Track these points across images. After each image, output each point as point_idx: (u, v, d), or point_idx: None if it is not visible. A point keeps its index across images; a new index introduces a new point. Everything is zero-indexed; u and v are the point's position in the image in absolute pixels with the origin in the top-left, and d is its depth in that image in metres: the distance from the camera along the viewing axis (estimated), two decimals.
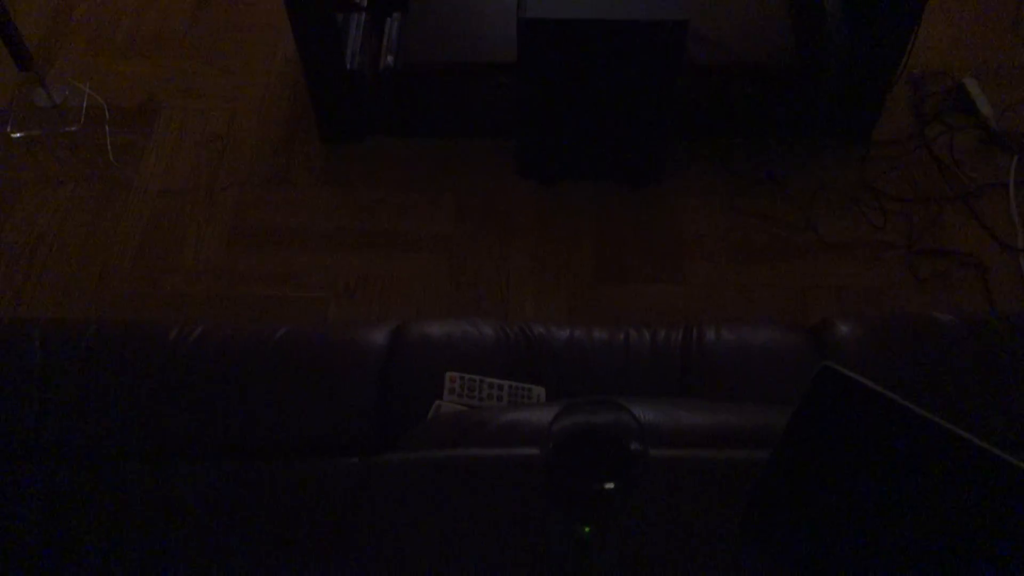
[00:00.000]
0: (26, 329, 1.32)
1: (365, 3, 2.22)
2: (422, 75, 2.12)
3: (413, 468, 0.94)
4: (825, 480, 0.80)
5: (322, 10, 1.98)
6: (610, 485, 0.71)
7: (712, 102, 2.17)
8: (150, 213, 2.14)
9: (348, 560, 0.92)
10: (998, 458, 0.71)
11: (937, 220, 2.13)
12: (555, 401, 1.20)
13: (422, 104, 2.20)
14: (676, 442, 0.99)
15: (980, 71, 2.37)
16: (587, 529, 0.88)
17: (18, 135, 2.25)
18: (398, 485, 0.92)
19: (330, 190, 2.18)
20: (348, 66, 2.12)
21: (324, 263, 2.05)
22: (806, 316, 1.96)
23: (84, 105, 2.29)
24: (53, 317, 1.56)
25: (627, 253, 2.08)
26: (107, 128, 2.27)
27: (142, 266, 2.05)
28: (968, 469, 0.73)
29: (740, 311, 1.99)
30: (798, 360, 1.32)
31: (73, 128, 2.26)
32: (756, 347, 1.34)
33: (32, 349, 1.29)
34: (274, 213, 2.14)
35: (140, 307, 1.98)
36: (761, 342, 1.35)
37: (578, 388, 1.28)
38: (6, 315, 1.97)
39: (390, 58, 2.13)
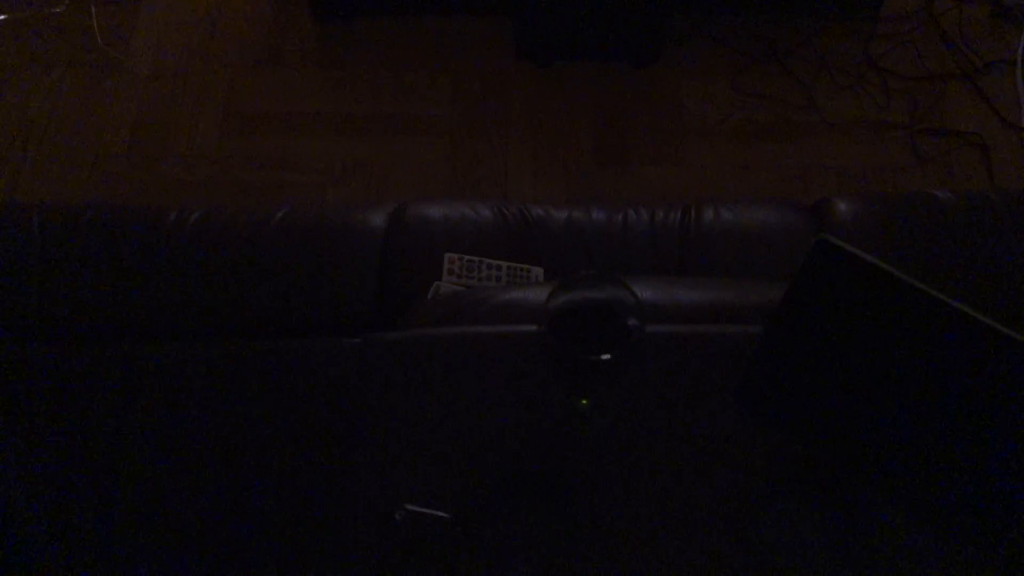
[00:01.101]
0: (24, 213, 1.32)
1: None
2: None
3: (412, 345, 0.96)
4: (819, 350, 0.82)
5: None
6: (607, 357, 0.73)
7: None
8: (142, 97, 2.11)
9: (350, 436, 0.94)
10: (991, 328, 0.72)
11: (942, 98, 2.09)
12: (553, 280, 1.21)
13: None
14: (673, 318, 1.00)
15: None
16: (584, 401, 0.90)
17: (2, 17, 2.19)
18: (397, 362, 0.94)
19: (324, 72, 2.13)
20: None
21: (320, 147, 2.03)
22: (807, 197, 1.94)
23: None
24: (50, 201, 1.55)
25: (627, 135, 2.05)
26: (92, 8, 2.20)
27: (137, 152, 2.03)
28: (961, 339, 0.74)
29: (740, 192, 1.98)
30: (797, 238, 1.32)
31: (58, 9, 2.20)
32: (755, 226, 1.34)
33: (31, 232, 1.29)
34: (267, 96, 2.10)
35: (136, 193, 1.97)
36: (760, 221, 1.35)
37: (577, 268, 1.29)
38: (3, 200, 1.96)
39: None
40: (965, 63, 2.13)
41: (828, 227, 1.30)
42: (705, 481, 0.87)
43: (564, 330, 0.75)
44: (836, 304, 0.79)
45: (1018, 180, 1.98)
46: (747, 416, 0.90)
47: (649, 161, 2.02)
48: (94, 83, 2.12)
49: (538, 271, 1.26)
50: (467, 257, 1.24)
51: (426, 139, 2.05)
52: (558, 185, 1.99)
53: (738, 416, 0.90)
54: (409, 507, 0.85)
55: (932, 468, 0.82)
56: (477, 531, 0.85)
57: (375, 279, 1.27)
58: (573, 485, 0.88)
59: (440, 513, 0.85)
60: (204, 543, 1.07)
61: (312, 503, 1.04)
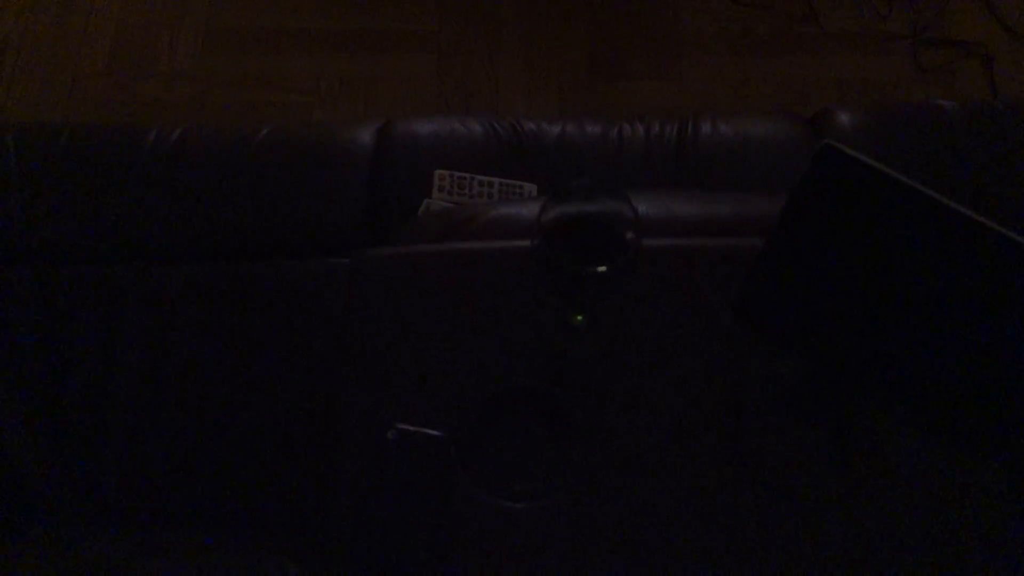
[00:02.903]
0: None
1: None
2: None
3: (402, 262, 0.93)
4: (821, 260, 0.79)
5: None
6: (602, 268, 0.70)
7: None
8: (120, 14, 2.03)
9: (340, 355, 0.92)
10: (998, 233, 0.70)
11: (944, 8, 2.03)
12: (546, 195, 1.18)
13: None
14: (669, 233, 0.98)
15: None
16: (579, 317, 0.88)
17: None
18: (387, 279, 0.91)
19: None
20: None
21: (305, 65, 1.97)
22: (807, 110, 1.89)
23: None
24: (26, 122, 1.50)
25: (621, 49, 1.99)
26: None
27: (115, 71, 1.97)
28: (967, 245, 0.72)
29: (738, 107, 1.93)
30: (797, 151, 1.28)
31: None
32: (753, 139, 1.30)
33: (7, 154, 1.25)
34: (250, 12, 2.03)
35: (114, 114, 1.92)
36: (758, 134, 1.31)
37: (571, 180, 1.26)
38: None
39: None
40: None
41: (828, 138, 1.27)
42: (702, 396, 0.86)
43: (558, 243, 0.73)
44: (840, 212, 0.76)
45: (1022, 91, 1.93)
46: (744, 330, 0.88)
47: (644, 75, 1.97)
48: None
49: (531, 187, 1.23)
50: (458, 173, 1.20)
51: (414, 56, 1.98)
52: (551, 101, 1.94)
53: (735, 330, 0.88)
54: (401, 426, 0.84)
55: (935, 378, 0.81)
56: (471, 450, 0.84)
57: (363, 197, 1.23)
58: (567, 402, 0.86)
59: (433, 432, 0.84)
60: (194, 463, 1.06)
61: (302, 423, 1.03)
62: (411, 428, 0.84)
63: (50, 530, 1.04)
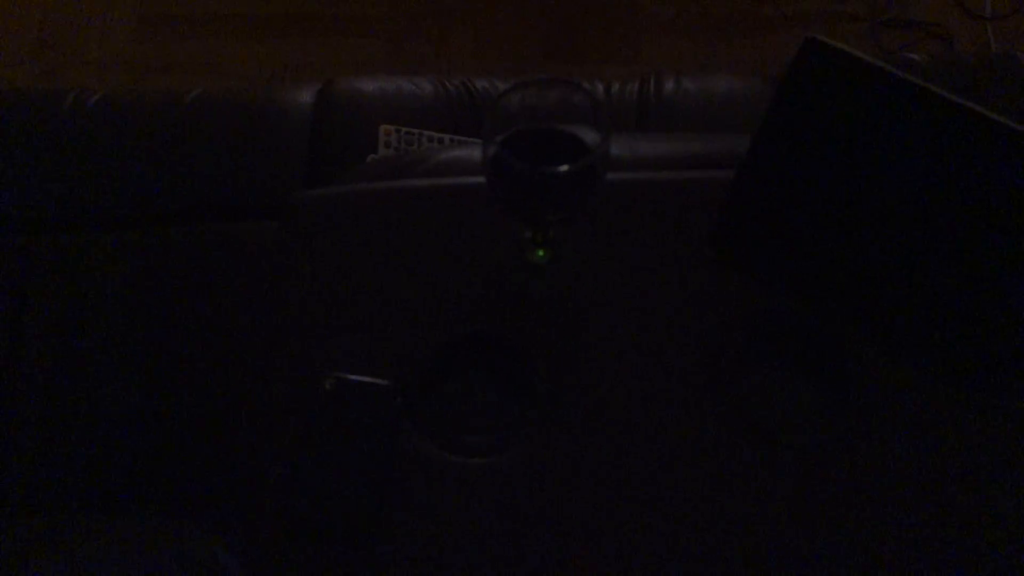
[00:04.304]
0: None
1: None
2: None
3: (342, 201, 0.84)
4: (806, 175, 0.72)
5: None
6: (564, 168, 0.61)
7: None
8: (46, 3, 1.92)
9: (275, 309, 0.82)
10: (994, 122, 0.63)
11: None
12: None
13: None
14: (635, 172, 0.89)
15: None
16: (540, 253, 0.79)
17: None
18: (326, 219, 0.82)
19: None
20: None
21: (247, 50, 1.87)
22: None
23: None
24: None
25: (578, 31, 1.93)
26: None
27: (43, 61, 1.85)
28: (961, 139, 0.64)
29: None
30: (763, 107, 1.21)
31: None
32: (718, 95, 1.23)
33: None
34: None
35: None
36: (724, 90, 1.24)
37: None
38: None
39: None
40: None
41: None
42: (676, 338, 0.77)
43: (514, 149, 0.64)
44: (826, 112, 0.69)
45: None
46: (723, 264, 0.80)
47: (603, 58, 1.90)
48: None
49: None
50: (405, 129, 1.11)
51: (362, 40, 1.90)
52: (506, 85, 1.85)
53: (712, 267, 0.80)
54: (340, 374, 0.73)
55: (934, 305, 0.73)
56: (419, 400, 0.74)
57: (303, 157, 1.13)
58: (527, 348, 0.77)
59: (379, 381, 0.74)
60: (112, 441, 0.94)
61: (232, 392, 0.92)
62: (352, 376, 0.74)
63: None
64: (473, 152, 0.92)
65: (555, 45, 1.91)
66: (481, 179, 0.81)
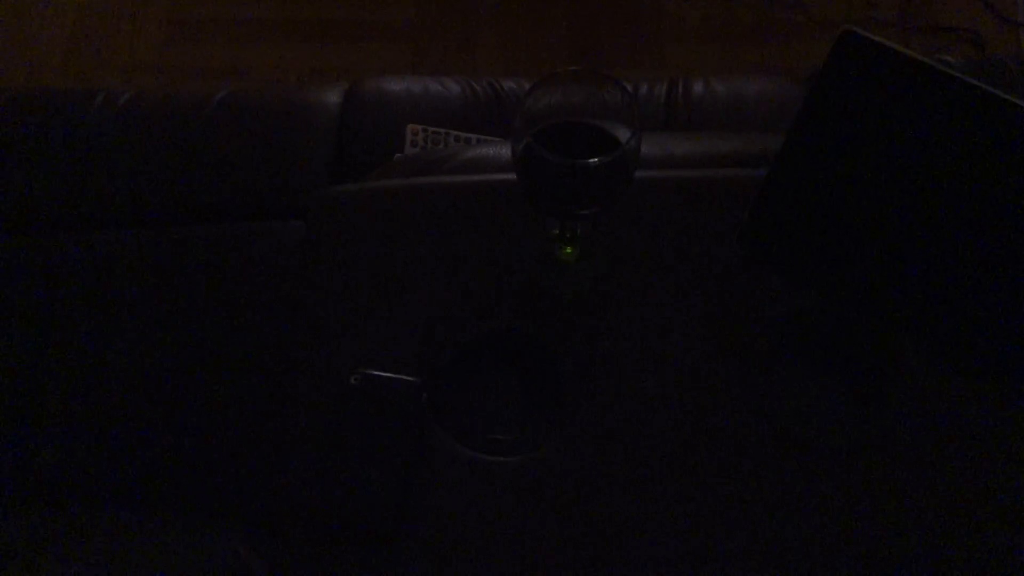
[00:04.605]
0: None
1: None
2: None
3: (367, 198, 0.83)
4: (840, 171, 0.70)
5: None
6: (594, 160, 0.60)
7: None
8: (77, 8, 1.94)
9: (301, 307, 0.81)
10: None
11: None
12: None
13: None
14: (666, 167, 0.88)
15: None
16: (568, 250, 0.78)
17: None
18: (352, 216, 0.81)
19: None
20: None
21: (274, 55, 1.88)
22: None
23: None
24: None
25: (603, 37, 1.92)
26: None
27: (74, 64, 1.87)
28: (1005, 135, 0.63)
29: None
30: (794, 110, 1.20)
31: None
32: (749, 97, 1.22)
33: None
34: (216, 3, 1.94)
35: None
36: (755, 93, 1.23)
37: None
38: None
39: None
40: None
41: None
42: (707, 338, 0.76)
43: (544, 142, 0.63)
44: (862, 112, 0.67)
45: None
46: (754, 263, 0.78)
47: (628, 65, 1.89)
48: None
49: None
50: (432, 128, 1.11)
51: (389, 45, 1.90)
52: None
53: (742, 266, 0.78)
54: (366, 370, 0.73)
55: (973, 307, 0.71)
56: (446, 397, 0.73)
57: (329, 157, 1.13)
58: (555, 346, 0.76)
59: (406, 377, 0.73)
60: (137, 439, 0.94)
61: (257, 393, 0.92)
62: (378, 373, 0.73)
63: None
64: (500, 150, 0.91)
65: (581, 50, 1.90)
66: (509, 176, 0.80)
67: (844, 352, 0.77)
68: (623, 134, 0.65)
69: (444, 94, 1.18)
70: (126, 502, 0.91)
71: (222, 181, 1.11)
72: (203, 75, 1.86)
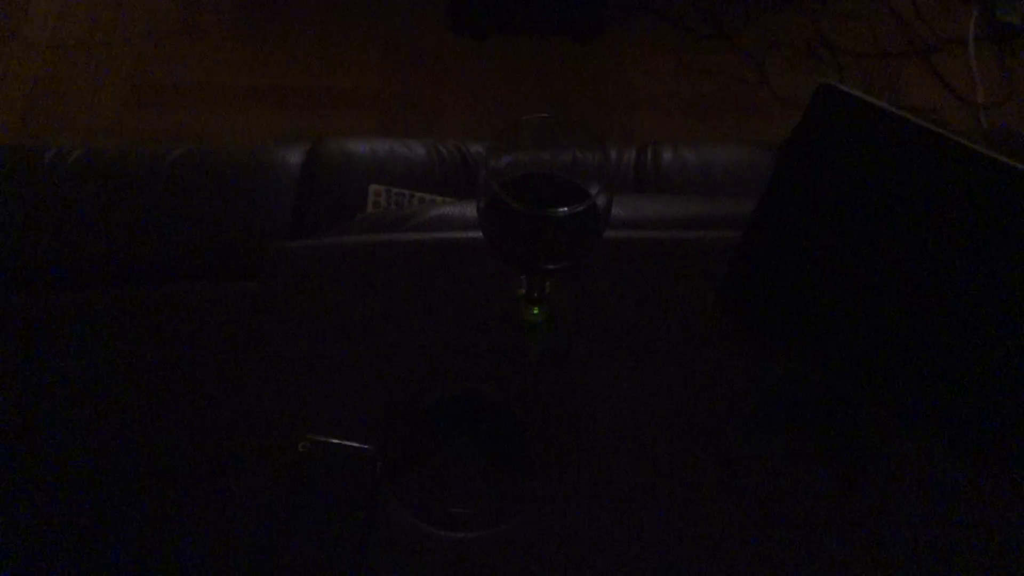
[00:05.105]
0: None
1: None
2: None
3: (326, 253, 0.79)
4: (819, 231, 0.67)
5: None
6: (563, 210, 0.57)
7: None
8: (39, 67, 1.90)
9: (251, 370, 0.76)
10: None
11: (896, 76, 2.01)
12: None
13: None
14: (637, 228, 0.85)
15: None
16: (536, 311, 0.74)
17: None
18: (307, 272, 0.77)
19: (244, 44, 1.96)
20: None
21: (239, 121, 1.85)
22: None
23: None
24: None
25: (572, 108, 1.92)
26: None
27: (30, 124, 1.83)
28: (988, 193, 0.60)
29: None
30: (764, 179, 1.18)
31: None
32: (719, 165, 1.20)
33: None
34: (181, 68, 1.92)
35: None
36: (724, 160, 1.21)
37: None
38: None
39: None
40: (918, 41, 2.06)
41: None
42: (679, 405, 0.71)
43: (514, 192, 0.59)
44: (841, 169, 0.65)
45: None
46: (729, 327, 0.75)
47: None
48: None
49: None
50: (396, 189, 1.07)
51: (356, 113, 1.88)
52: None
53: (716, 329, 0.75)
54: (315, 436, 0.67)
55: (954, 375, 0.68)
56: (402, 466, 0.67)
57: (288, 219, 1.09)
58: (520, 412, 0.71)
59: (358, 444, 0.67)
60: (90, 495, 0.87)
61: (205, 448, 0.85)
62: (328, 439, 0.67)
63: None
64: (465, 209, 0.88)
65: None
66: (475, 234, 0.76)
67: (826, 422, 0.73)
68: (593, 186, 0.62)
69: (409, 156, 1.15)
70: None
71: (173, 240, 1.07)
72: (164, 139, 1.82)
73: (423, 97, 1.91)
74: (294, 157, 1.16)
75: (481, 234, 0.64)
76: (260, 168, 1.14)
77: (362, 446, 0.67)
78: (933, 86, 2.00)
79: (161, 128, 1.84)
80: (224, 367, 0.90)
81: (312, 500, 0.66)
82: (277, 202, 1.10)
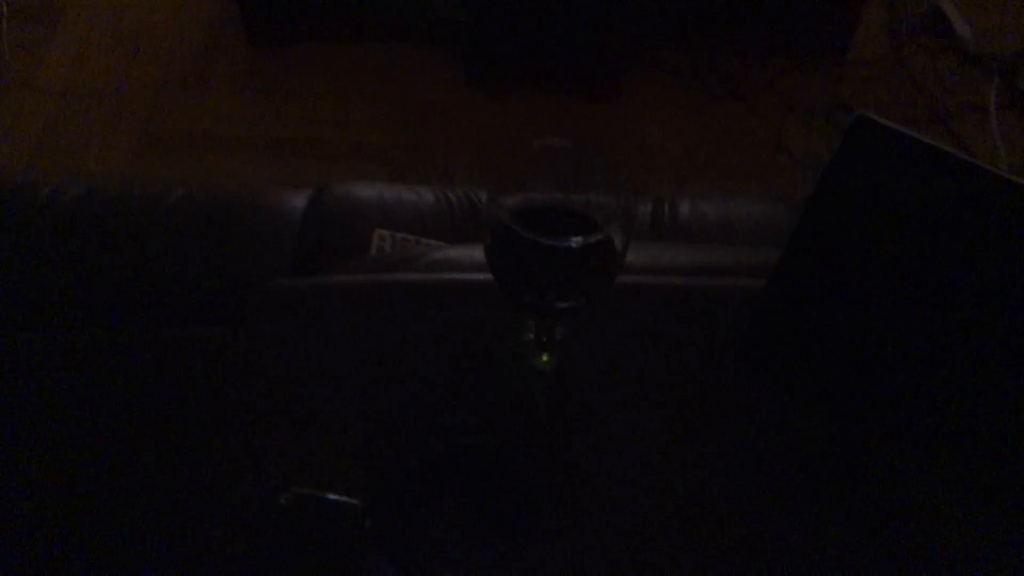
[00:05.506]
0: None
1: None
2: None
3: (319, 293, 0.74)
4: (851, 273, 0.62)
5: None
6: (577, 240, 0.52)
7: (678, 4, 1.99)
8: (50, 114, 1.89)
9: (236, 415, 0.71)
10: None
11: None
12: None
13: (363, 2, 1.99)
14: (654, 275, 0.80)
15: None
16: (545, 358, 0.68)
17: None
18: (298, 312, 0.72)
19: (256, 95, 1.95)
20: None
21: (249, 170, 1.83)
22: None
23: None
24: None
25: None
26: (3, 23, 2.01)
27: (38, 166, 1.80)
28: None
29: None
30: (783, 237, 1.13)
31: None
32: (738, 219, 1.16)
33: None
34: (193, 118, 1.91)
35: None
36: (744, 216, 1.17)
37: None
38: None
39: None
40: (938, 107, 2.03)
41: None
42: (699, 463, 0.65)
43: (523, 222, 0.54)
44: (876, 205, 0.60)
45: None
46: (753, 380, 0.69)
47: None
48: None
49: None
50: (401, 235, 1.03)
51: (366, 166, 1.86)
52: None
53: (737, 380, 0.69)
54: (300, 489, 0.61)
55: (995, 430, 0.62)
56: (394, 524, 0.61)
57: (288, 263, 1.05)
58: (526, 467, 0.65)
59: (346, 499, 0.62)
60: (64, 547, 0.81)
61: (179, 502, 0.79)
62: (313, 493, 0.62)
63: None
64: (472, 252, 0.83)
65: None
66: (480, 276, 0.72)
67: (852, 478, 0.67)
68: (609, 219, 0.57)
69: (417, 202, 1.11)
70: None
71: (167, 282, 1.02)
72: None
73: (435, 150, 1.88)
74: (297, 201, 1.13)
75: (487, 276, 0.59)
76: (261, 211, 1.10)
77: (350, 500, 0.61)
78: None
79: (169, 177, 1.81)
80: (204, 413, 0.85)
81: (295, 558, 0.60)
82: (277, 245, 1.06)
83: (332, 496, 0.62)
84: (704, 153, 1.92)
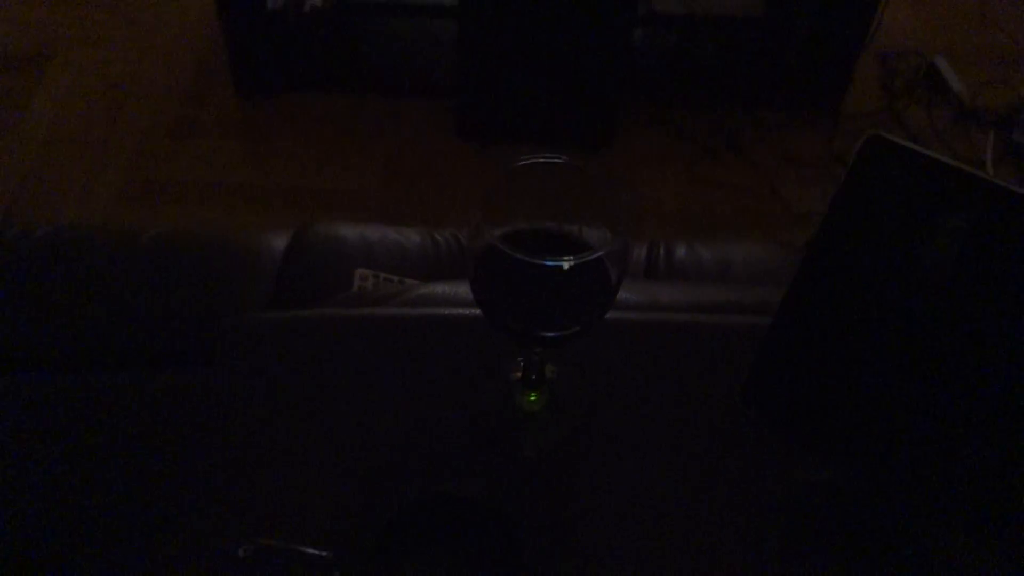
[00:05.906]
0: None
1: None
2: (353, 16, 1.90)
3: (291, 328, 0.69)
4: (867, 304, 0.57)
5: None
6: (568, 260, 0.47)
7: (671, 58, 1.99)
8: (32, 161, 1.86)
9: (202, 460, 0.65)
10: None
11: None
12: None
13: (351, 53, 1.98)
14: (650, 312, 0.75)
15: (949, 52, 2.23)
16: (533, 397, 0.63)
17: None
18: (268, 348, 0.66)
19: (244, 145, 1.92)
20: (269, 6, 1.89)
21: (235, 218, 1.79)
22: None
23: None
24: None
25: (578, 219, 1.85)
26: None
27: (15, 214, 1.76)
28: None
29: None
30: (785, 278, 1.09)
31: None
32: (735, 262, 1.11)
33: None
34: (178, 166, 1.87)
35: None
36: (741, 259, 1.12)
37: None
38: None
39: None
40: None
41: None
42: (699, 512, 0.60)
43: (511, 245, 0.50)
44: (890, 227, 0.55)
45: None
46: (758, 424, 0.64)
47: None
48: None
49: None
50: (384, 275, 0.98)
51: (354, 215, 1.82)
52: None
53: (740, 423, 0.64)
54: (261, 539, 0.55)
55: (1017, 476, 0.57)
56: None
57: (266, 303, 0.99)
58: (516, 516, 0.59)
59: (313, 550, 0.55)
60: None
61: (141, 547, 0.73)
62: (277, 543, 0.55)
63: None
64: (459, 288, 0.78)
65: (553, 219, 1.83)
66: (465, 311, 0.67)
67: (868, 529, 0.61)
68: (604, 238, 0.53)
69: (402, 242, 1.07)
70: None
71: (138, 323, 0.97)
72: None
73: (424, 204, 1.85)
74: (278, 242, 1.08)
75: (473, 311, 0.55)
76: (240, 251, 1.06)
77: (319, 552, 0.55)
78: None
79: (151, 223, 1.77)
80: (169, 461, 0.79)
81: None
82: (255, 285, 1.01)
83: (298, 547, 0.55)
84: (698, 205, 1.89)
